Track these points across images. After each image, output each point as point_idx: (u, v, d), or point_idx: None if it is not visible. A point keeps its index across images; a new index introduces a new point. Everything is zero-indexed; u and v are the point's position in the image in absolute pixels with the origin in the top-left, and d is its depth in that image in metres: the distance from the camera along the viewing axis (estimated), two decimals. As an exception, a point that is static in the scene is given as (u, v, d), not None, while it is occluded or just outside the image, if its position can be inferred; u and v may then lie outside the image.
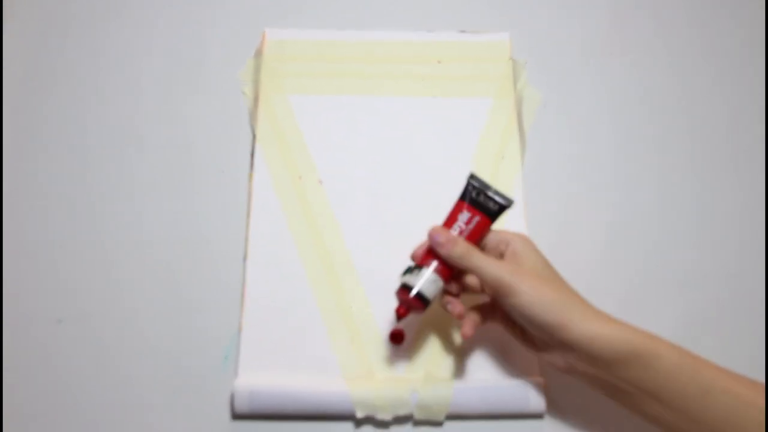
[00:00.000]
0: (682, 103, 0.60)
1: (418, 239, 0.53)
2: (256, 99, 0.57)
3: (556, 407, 0.48)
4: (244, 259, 0.52)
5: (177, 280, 0.52)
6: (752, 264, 0.54)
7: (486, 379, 0.48)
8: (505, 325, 0.47)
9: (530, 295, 0.42)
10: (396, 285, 0.47)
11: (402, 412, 0.47)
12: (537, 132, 0.58)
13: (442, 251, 0.44)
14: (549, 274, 0.44)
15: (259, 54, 0.59)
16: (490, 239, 0.46)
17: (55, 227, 0.53)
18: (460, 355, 0.49)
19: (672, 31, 0.62)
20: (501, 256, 0.46)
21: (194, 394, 0.48)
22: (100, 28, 0.60)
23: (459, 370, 0.49)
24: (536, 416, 0.48)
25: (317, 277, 0.51)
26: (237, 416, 0.47)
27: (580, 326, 0.41)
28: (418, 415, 0.47)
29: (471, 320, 0.46)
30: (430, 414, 0.47)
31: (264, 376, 0.48)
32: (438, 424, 0.48)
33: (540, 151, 0.57)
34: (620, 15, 0.63)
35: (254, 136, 0.56)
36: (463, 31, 0.60)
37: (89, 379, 0.49)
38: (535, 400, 0.47)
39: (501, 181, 0.55)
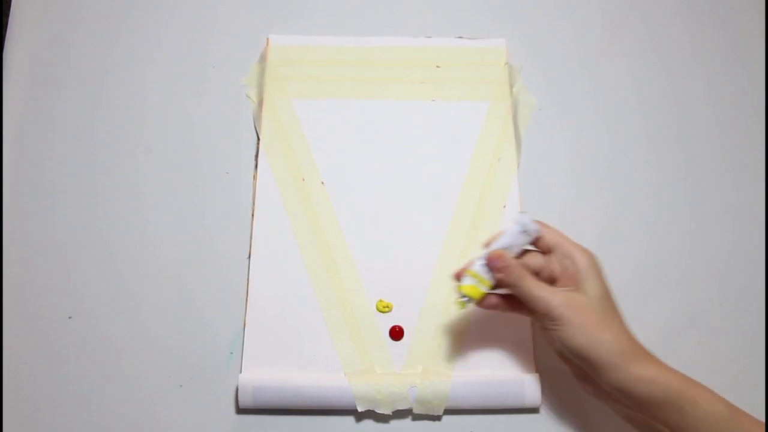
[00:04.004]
0: (677, 105, 0.60)
1: (417, 239, 0.54)
2: (260, 103, 0.58)
3: (551, 401, 0.49)
4: (248, 258, 0.53)
5: (183, 279, 0.52)
6: (748, 264, 0.55)
7: (483, 374, 0.49)
8: (542, 330, 0.46)
9: (575, 329, 0.42)
10: (394, 283, 0.51)
11: (401, 406, 0.48)
12: (532, 134, 0.58)
13: (498, 276, 0.45)
14: (602, 306, 0.43)
15: (263, 59, 0.60)
16: (559, 249, 0.45)
17: (65, 228, 0.54)
18: (458, 351, 0.50)
19: (666, 35, 0.63)
20: (563, 271, 0.45)
21: (200, 389, 0.49)
22: (108, 34, 0.61)
23: (457, 365, 0.50)
24: (532, 410, 0.49)
25: (319, 276, 0.52)
26: (241, 410, 0.48)
27: (618, 368, 0.41)
28: (417, 409, 0.48)
29: (495, 300, 0.46)
30: (428, 408, 0.48)
31: (267, 372, 0.49)
32: (436, 418, 0.49)
33: (535, 153, 0.57)
34: (614, 19, 0.63)
35: (258, 139, 0.57)
36: (460, 37, 0.61)
37: (99, 372, 0.50)
38: (531, 395, 0.48)
39: (497, 182, 0.56)
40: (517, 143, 0.57)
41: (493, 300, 0.46)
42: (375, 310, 0.52)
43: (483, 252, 0.46)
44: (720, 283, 0.54)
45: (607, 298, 0.44)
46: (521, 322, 0.51)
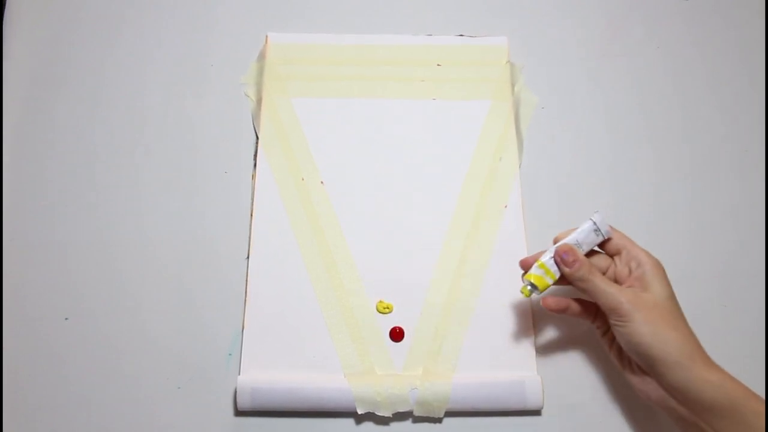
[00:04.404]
0: (678, 105, 0.60)
1: (417, 239, 0.54)
2: (259, 102, 0.58)
3: (553, 403, 0.49)
4: (247, 258, 0.53)
5: (181, 279, 0.52)
6: (750, 264, 0.54)
7: (484, 375, 0.49)
8: (603, 335, 0.47)
9: (643, 326, 0.42)
10: (394, 283, 0.51)
11: (402, 408, 0.47)
12: (534, 133, 0.58)
13: (566, 270, 0.45)
14: (669, 307, 0.44)
15: (262, 58, 0.60)
16: (626, 252, 0.46)
17: (62, 228, 0.53)
18: (459, 352, 0.50)
19: (668, 34, 0.62)
20: (629, 273, 0.46)
21: (198, 391, 0.49)
22: (107, 33, 0.61)
23: (458, 366, 0.49)
24: (534, 412, 0.49)
25: (319, 276, 0.52)
26: (240, 412, 0.48)
27: (685, 367, 0.41)
28: (417, 412, 0.48)
29: (567, 302, 0.47)
30: (429, 410, 0.48)
31: (266, 373, 0.49)
32: (437, 420, 0.48)
33: (537, 153, 0.57)
34: (616, 18, 0.63)
35: (257, 138, 0.57)
36: (461, 35, 0.61)
37: (96, 374, 0.49)
38: (533, 396, 0.48)
39: (499, 181, 0.55)
40: (518, 142, 0.57)
41: (563, 303, 0.47)
42: (375, 310, 0.51)
43: (553, 246, 0.47)
44: (721, 283, 0.54)
45: (673, 300, 0.44)
46: (522, 322, 0.51)
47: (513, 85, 0.59)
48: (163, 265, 0.52)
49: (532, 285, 0.47)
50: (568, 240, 0.47)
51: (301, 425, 0.48)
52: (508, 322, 0.51)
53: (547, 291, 0.47)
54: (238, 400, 0.47)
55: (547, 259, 0.47)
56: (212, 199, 0.55)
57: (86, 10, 0.61)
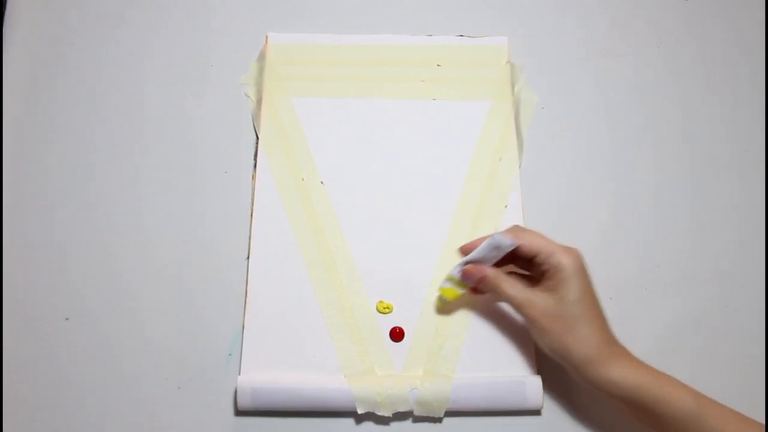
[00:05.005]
0: (680, 105, 0.60)
1: (417, 239, 0.54)
2: (259, 102, 0.58)
3: (553, 403, 0.49)
4: (247, 258, 0.53)
5: (181, 279, 0.52)
6: (752, 264, 0.54)
7: (484, 375, 0.49)
8: None
9: (546, 334, 0.45)
10: (394, 283, 0.52)
11: (402, 408, 0.47)
12: (534, 134, 0.58)
13: (477, 285, 0.49)
14: (573, 310, 0.44)
15: (262, 58, 0.60)
16: (540, 255, 0.46)
17: (62, 228, 0.53)
18: (459, 352, 0.50)
19: (669, 33, 0.62)
20: (545, 273, 0.46)
21: (199, 391, 0.49)
22: (106, 32, 0.61)
23: (458, 366, 0.49)
24: (534, 412, 0.49)
25: (319, 276, 0.52)
26: (240, 412, 0.48)
27: (588, 372, 0.43)
28: (417, 411, 0.48)
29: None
30: (429, 410, 0.48)
31: (266, 373, 0.49)
32: (437, 420, 0.48)
33: (537, 153, 0.57)
34: (618, 17, 0.63)
35: (257, 138, 0.57)
36: (461, 36, 0.61)
37: (96, 374, 0.49)
38: (533, 396, 0.48)
39: (499, 182, 0.55)
40: (518, 143, 0.57)
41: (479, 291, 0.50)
42: (375, 310, 0.51)
43: (462, 259, 0.49)
44: (723, 283, 0.53)
45: (583, 300, 0.44)
46: (522, 322, 0.51)
47: (513, 86, 0.59)
48: (163, 265, 0.52)
49: (444, 298, 0.50)
50: (471, 258, 0.48)
51: (301, 425, 0.48)
52: (508, 322, 0.51)
53: (461, 299, 0.50)
54: (238, 400, 0.47)
55: (456, 272, 0.49)
56: (212, 199, 0.55)
57: (86, 11, 0.61)
